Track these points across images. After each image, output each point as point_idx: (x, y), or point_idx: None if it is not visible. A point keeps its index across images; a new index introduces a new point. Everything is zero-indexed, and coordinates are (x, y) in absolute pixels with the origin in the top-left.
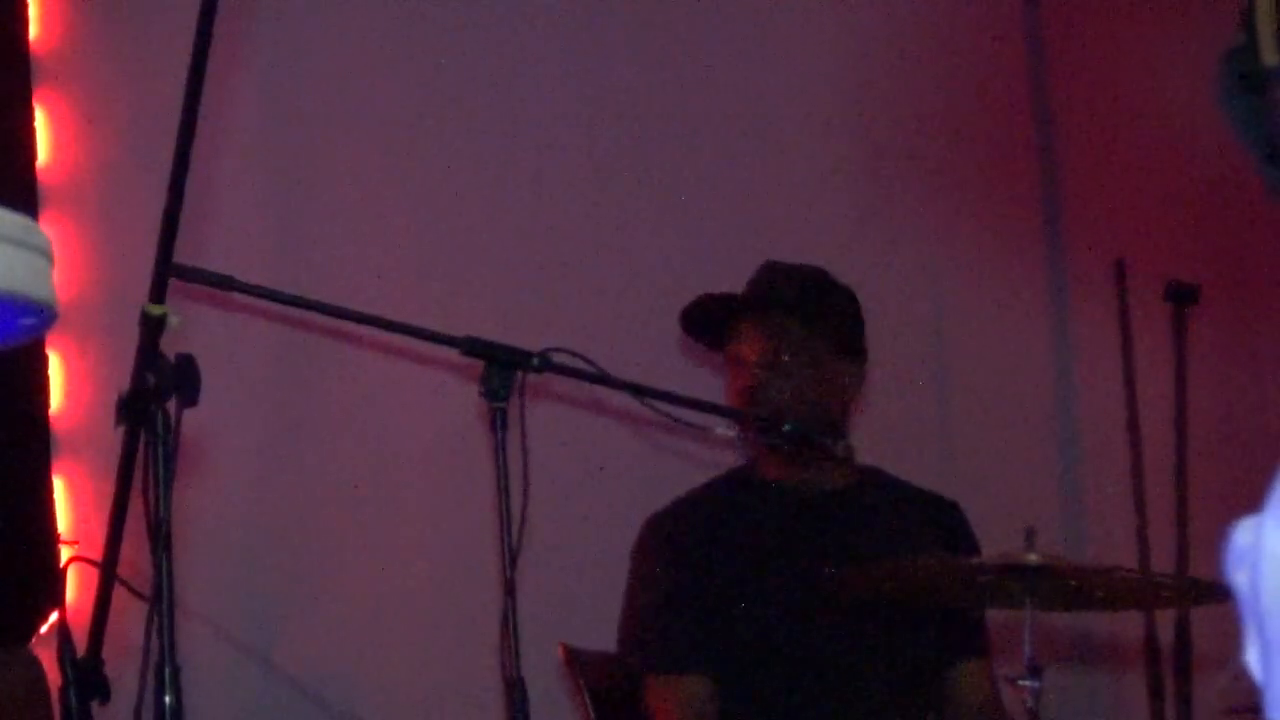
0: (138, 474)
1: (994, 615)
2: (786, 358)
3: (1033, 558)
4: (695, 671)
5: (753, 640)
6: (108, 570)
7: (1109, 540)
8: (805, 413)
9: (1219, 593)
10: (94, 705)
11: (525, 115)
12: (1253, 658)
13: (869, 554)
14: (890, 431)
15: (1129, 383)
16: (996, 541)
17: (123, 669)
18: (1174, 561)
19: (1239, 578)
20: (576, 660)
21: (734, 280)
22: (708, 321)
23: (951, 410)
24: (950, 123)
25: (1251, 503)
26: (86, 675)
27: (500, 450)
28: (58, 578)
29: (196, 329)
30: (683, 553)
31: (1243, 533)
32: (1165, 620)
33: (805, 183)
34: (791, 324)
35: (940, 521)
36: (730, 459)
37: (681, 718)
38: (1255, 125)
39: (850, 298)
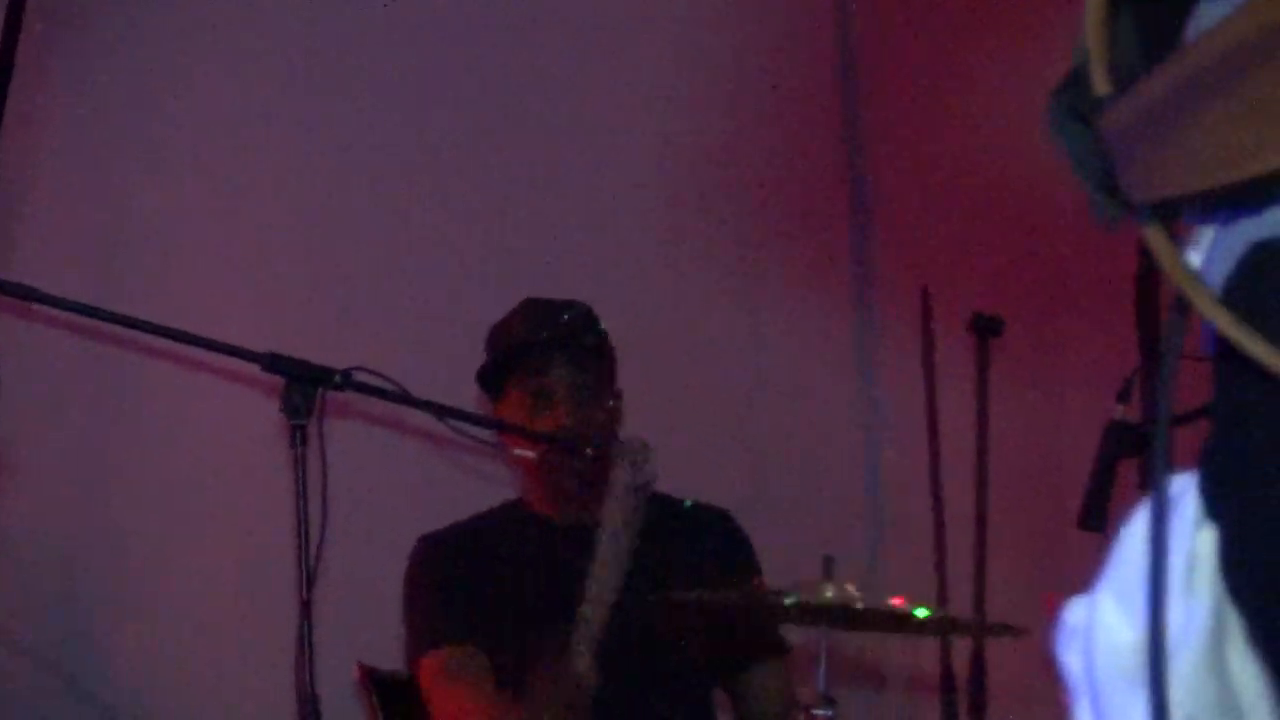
0: None
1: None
2: (587, 391)
3: (829, 594)
4: (463, 641)
5: (515, 665)
6: None
7: (910, 564)
8: (601, 444)
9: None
10: None
11: (338, 131)
12: None
13: (642, 579)
14: (696, 456)
15: (931, 411)
16: (798, 570)
17: None
18: (972, 585)
19: (1071, 658)
20: (372, 679)
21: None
22: (507, 362)
23: (757, 435)
24: (759, 149)
25: (1048, 531)
26: None
27: (299, 467)
28: None
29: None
30: (452, 574)
31: (1073, 613)
32: (961, 650)
33: (610, 214)
34: (589, 360)
35: (713, 533)
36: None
37: (452, 679)
38: (1088, 156)
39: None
